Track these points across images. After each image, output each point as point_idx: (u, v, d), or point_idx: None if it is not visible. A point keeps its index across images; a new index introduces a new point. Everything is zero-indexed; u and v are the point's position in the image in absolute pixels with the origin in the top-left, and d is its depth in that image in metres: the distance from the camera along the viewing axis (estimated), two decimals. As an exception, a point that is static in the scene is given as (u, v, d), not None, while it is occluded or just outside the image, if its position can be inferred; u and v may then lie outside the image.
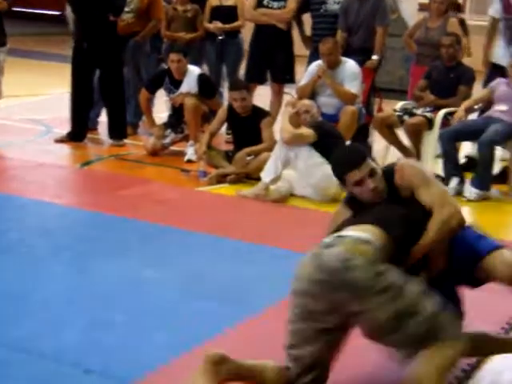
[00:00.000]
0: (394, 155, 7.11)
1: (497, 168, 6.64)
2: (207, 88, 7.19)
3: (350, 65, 6.89)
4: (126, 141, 7.62)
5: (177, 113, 7.26)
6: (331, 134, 6.03)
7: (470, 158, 7.07)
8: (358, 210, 3.05)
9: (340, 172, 3.08)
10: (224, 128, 7.47)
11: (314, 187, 5.90)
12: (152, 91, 7.44)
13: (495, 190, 6.39)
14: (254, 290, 3.95)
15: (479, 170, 6.21)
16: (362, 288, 2.64)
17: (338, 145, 5.97)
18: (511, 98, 6.34)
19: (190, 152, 7.01)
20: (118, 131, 7.53)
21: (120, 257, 4.34)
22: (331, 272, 2.67)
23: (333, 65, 6.84)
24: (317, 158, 5.83)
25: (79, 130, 7.48)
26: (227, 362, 2.72)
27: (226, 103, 7.05)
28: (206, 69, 8.19)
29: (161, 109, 7.97)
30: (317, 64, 6.97)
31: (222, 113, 6.67)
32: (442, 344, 2.67)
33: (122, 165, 6.89)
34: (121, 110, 7.55)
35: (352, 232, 2.81)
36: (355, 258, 2.67)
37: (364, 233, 2.78)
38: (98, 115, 7.98)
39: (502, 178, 6.52)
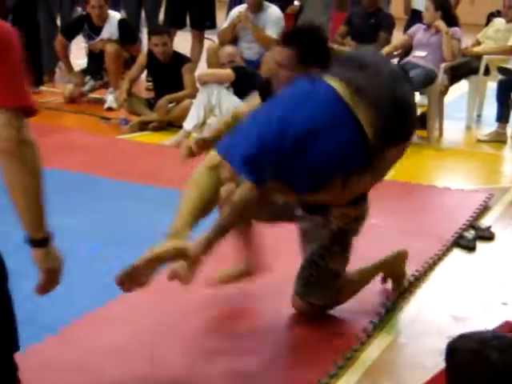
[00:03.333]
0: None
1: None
2: (128, 34, 7.04)
3: (272, 10, 6.85)
4: (42, 88, 7.42)
5: (96, 59, 7.09)
6: (252, 77, 5.97)
7: (390, 104, 7.16)
8: None
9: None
10: (144, 75, 7.35)
11: (237, 134, 5.87)
12: (70, 38, 7.23)
13: (414, 135, 6.50)
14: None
15: (399, 116, 6.29)
16: None
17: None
18: (429, 43, 6.43)
19: (110, 99, 6.89)
20: (34, 78, 7.31)
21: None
22: None
23: (255, 9, 6.78)
24: (240, 104, 5.78)
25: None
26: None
27: (145, 49, 6.93)
28: (123, 14, 8.02)
29: (78, 55, 7.76)
30: (239, 8, 6.90)
31: (141, 58, 6.55)
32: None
33: (38, 113, 6.68)
34: (35, 56, 7.32)
35: None
36: None
37: None
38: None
39: (421, 123, 6.63)
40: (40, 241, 1.88)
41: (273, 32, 6.81)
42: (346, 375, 2.68)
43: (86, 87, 7.19)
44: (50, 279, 1.93)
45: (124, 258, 3.53)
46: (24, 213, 1.83)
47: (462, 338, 1.73)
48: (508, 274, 3.70)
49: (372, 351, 2.88)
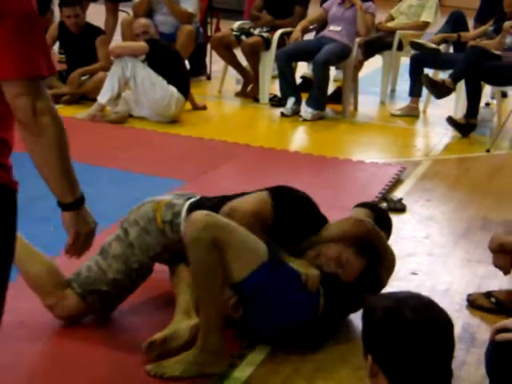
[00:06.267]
0: (231, 75, 7.14)
1: (331, 88, 6.80)
2: (37, 3, 6.82)
3: (187, -17, 6.77)
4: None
5: (5, 30, 6.87)
6: (166, 49, 5.91)
7: (306, 79, 7.21)
8: None
9: None
10: (57, 47, 7.17)
11: (153, 107, 5.81)
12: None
13: (330, 109, 6.57)
14: (91, 211, 3.86)
15: (314, 90, 6.34)
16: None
17: (175, 62, 5.90)
18: (344, 17, 6.47)
19: (21, 72, 6.69)
20: None
21: None
22: None
23: (170, -18, 6.70)
24: (155, 78, 5.72)
25: None
26: None
27: (57, 20, 6.76)
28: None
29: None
30: (153, -19, 6.80)
31: (53, 30, 6.40)
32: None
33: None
34: None
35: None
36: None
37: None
38: None
39: (336, 97, 6.70)
40: (68, 205, 1.88)
41: (188, 5, 6.74)
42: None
43: (-5, 60, 6.97)
44: (79, 243, 1.94)
45: (38, 233, 3.48)
46: (49, 184, 1.82)
47: (378, 297, 1.76)
48: (418, 245, 3.79)
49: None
